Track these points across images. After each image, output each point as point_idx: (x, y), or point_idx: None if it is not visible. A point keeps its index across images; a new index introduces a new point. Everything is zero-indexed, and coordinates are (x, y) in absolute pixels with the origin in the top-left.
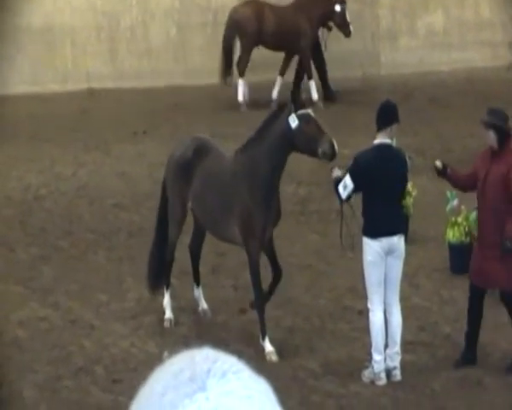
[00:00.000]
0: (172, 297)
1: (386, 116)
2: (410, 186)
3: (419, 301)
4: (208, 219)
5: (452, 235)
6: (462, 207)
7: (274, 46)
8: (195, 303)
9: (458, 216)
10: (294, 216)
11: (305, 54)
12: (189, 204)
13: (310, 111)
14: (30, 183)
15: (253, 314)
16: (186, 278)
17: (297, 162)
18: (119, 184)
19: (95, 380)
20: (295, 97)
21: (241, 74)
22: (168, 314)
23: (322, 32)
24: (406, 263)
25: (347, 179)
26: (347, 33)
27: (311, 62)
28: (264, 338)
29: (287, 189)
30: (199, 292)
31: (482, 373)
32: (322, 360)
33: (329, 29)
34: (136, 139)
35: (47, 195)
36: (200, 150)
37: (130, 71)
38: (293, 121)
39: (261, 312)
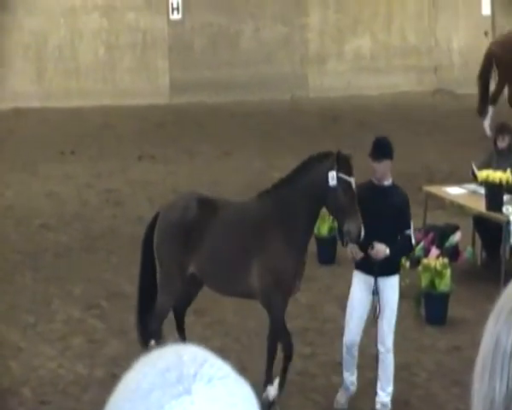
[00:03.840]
0: (101, 319)
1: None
2: None
3: None
4: (222, 276)
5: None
6: None
7: None
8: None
9: None
10: None
11: None
12: (192, 268)
13: (352, 180)
14: None
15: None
16: (116, 301)
17: (227, 184)
18: (47, 204)
19: (22, 402)
20: (341, 156)
21: (493, 103)
22: None
23: None
24: None
25: (412, 229)
26: None
27: None
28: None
29: None
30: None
31: (409, 393)
32: (252, 380)
33: None
34: (63, 159)
35: None
36: (205, 205)
37: (57, 91)
38: (332, 179)
39: (271, 362)
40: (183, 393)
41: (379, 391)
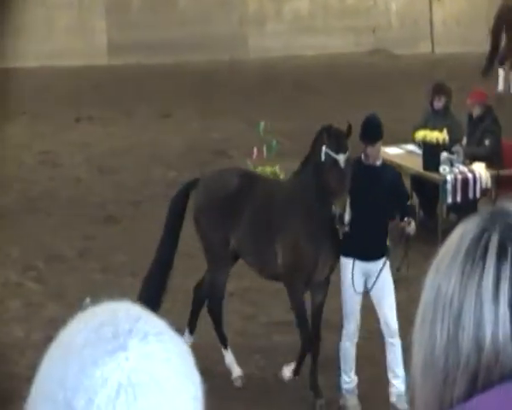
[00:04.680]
0: (38, 281)
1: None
2: (277, 169)
3: None
4: (256, 257)
5: None
6: None
7: None
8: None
9: None
10: (162, 199)
11: None
12: (232, 244)
13: (341, 158)
14: None
15: None
16: (53, 263)
17: (166, 145)
18: None
19: None
20: (331, 131)
21: (501, 63)
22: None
23: None
24: None
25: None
26: None
27: None
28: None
29: (155, 172)
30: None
31: None
32: (197, 340)
33: None
34: None
35: None
36: (246, 178)
37: None
38: (323, 154)
39: (305, 352)
40: (117, 349)
41: (392, 380)
